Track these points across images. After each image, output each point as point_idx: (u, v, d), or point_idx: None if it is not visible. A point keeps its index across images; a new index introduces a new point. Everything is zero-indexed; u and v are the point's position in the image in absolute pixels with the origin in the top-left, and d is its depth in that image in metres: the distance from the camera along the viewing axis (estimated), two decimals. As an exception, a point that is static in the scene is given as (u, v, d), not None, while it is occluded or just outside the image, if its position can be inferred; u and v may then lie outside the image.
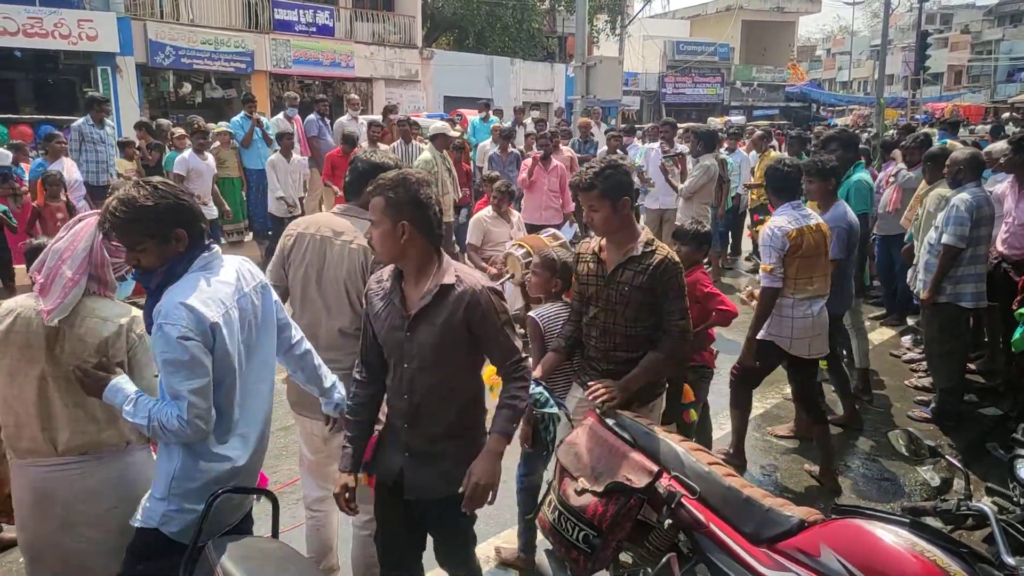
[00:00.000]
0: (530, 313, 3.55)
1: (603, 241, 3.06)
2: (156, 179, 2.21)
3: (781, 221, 4.11)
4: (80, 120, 9.18)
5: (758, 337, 4.22)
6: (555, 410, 3.07)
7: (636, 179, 8.63)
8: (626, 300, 2.94)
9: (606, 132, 11.76)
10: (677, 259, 2.98)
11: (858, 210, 5.26)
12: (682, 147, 9.33)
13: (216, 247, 2.31)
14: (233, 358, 2.20)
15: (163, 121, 11.45)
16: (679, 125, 10.75)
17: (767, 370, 4.46)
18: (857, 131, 17.22)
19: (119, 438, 2.49)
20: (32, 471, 2.46)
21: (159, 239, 2.15)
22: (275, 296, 2.48)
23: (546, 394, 3.16)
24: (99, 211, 2.33)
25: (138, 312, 2.42)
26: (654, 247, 2.94)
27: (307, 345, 2.66)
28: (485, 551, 3.60)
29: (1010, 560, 1.95)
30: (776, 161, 4.43)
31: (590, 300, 3.07)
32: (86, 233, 2.37)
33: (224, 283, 2.23)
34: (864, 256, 5.88)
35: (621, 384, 2.90)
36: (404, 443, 2.47)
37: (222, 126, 10.25)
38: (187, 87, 17.61)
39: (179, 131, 9.92)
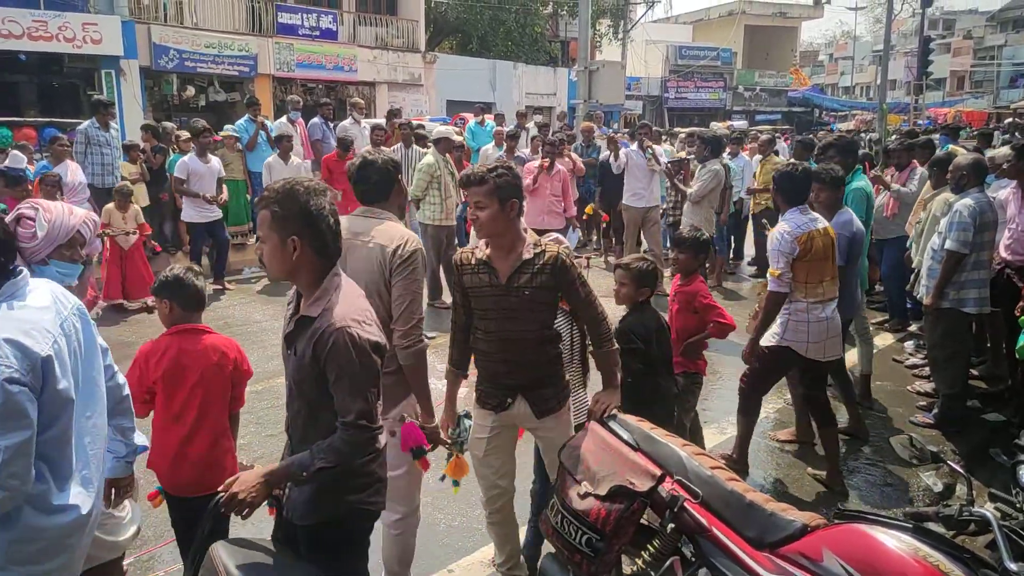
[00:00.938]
0: None
1: (488, 250, 2.92)
2: None
3: (789, 226, 4.10)
4: (86, 123, 9.22)
5: (775, 344, 4.19)
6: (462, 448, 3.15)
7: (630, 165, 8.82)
8: (530, 304, 2.85)
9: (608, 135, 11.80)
10: (565, 252, 2.90)
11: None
12: (656, 147, 9.51)
13: (24, 271, 2.02)
14: (69, 391, 1.94)
15: (167, 124, 11.49)
16: (682, 130, 10.83)
17: (779, 376, 4.45)
18: (859, 135, 17.19)
19: None
20: None
21: None
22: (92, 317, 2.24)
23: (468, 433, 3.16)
24: (26, 203, 2.45)
25: None
26: (543, 247, 2.88)
27: (122, 378, 2.42)
28: (482, 557, 3.61)
29: (1012, 566, 1.95)
30: (787, 165, 4.40)
31: (485, 313, 2.94)
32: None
33: (42, 309, 1.95)
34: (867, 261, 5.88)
35: (610, 391, 2.99)
36: None
37: (228, 130, 10.29)
38: (191, 90, 17.66)
39: (184, 134, 9.96)
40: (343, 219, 3.07)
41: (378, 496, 2.39)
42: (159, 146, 9.95)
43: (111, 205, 7.79)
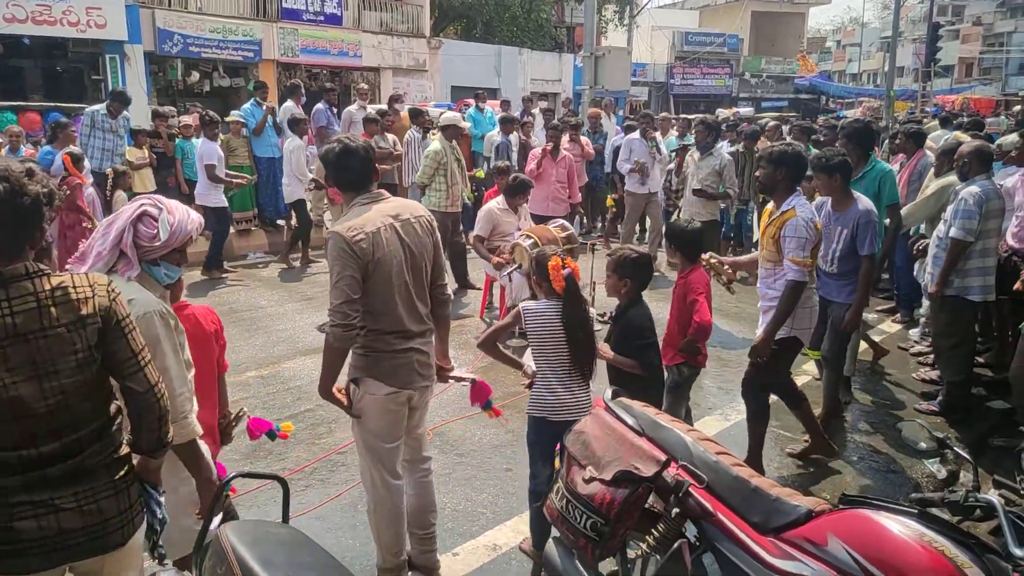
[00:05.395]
0: (520, 305, 3.29)
1: None
2: None
3: (807, 213, 3.98)
4: (95, 107, 9.20)
5: (785, 336, 4.04)
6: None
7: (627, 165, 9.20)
8: None
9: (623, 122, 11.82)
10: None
11: (892, 199, 5.26)
12: (659, 136, 9.71)
13: None
14: None
15: (170, 109, 11.48)
16: (688, 116, 10.87)
17: (785, 370, 4.33)
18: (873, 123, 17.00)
19: None
20: None
21: None
22: None
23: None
24: (148, 198, 2.41)
25: (128, 290, 2.26)
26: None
27: None
28: (486, 541, 3.63)
29: (1018, 551, 1.95)
30: (785, 144, 4.26)
31: None
32: (126, 216, 2.38)
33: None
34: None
35: None
36: None
37: (234, 115, 10.26)
38: (195, 75, 17.63)
39: (186, 119, 9.93)
40: (382, 207, 2.97)
41: None
42: (171, 132, 9.97)
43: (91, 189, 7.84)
